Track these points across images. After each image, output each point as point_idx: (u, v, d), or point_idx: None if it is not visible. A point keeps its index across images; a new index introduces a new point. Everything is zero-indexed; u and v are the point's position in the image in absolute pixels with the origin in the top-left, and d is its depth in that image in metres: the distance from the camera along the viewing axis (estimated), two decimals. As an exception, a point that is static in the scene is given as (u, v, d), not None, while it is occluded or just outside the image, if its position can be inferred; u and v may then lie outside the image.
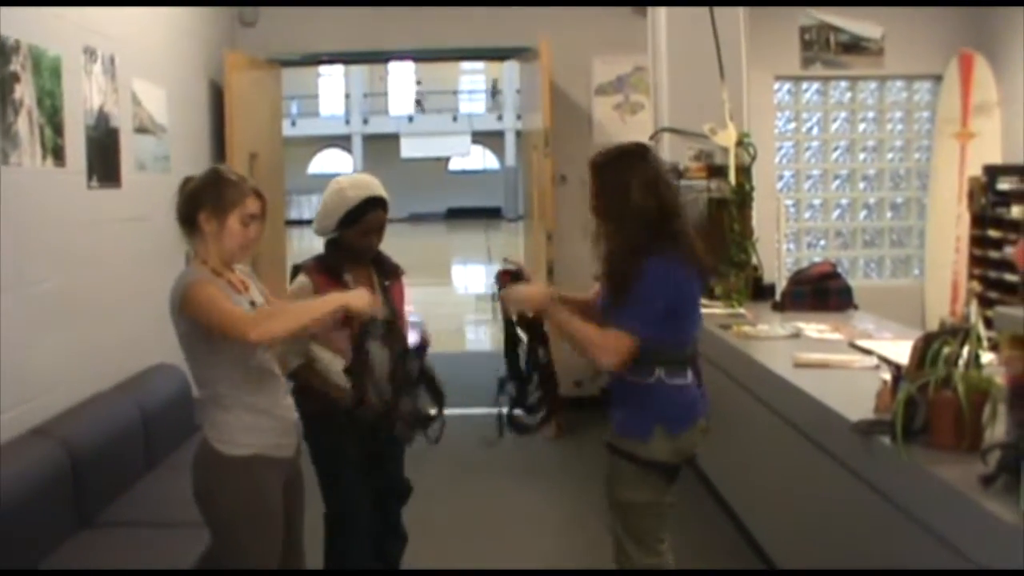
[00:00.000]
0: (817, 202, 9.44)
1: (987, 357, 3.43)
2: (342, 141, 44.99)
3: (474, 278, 24.33)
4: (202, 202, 3.34)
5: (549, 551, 5.50)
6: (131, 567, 3.97)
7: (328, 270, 4.20)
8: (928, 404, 3.26)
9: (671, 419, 3.72)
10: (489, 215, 41.27)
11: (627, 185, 3.70)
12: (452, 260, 29.40)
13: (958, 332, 3.36)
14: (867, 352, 4.90)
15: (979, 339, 3.33)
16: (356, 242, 4.20)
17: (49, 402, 4.63)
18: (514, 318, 3.87)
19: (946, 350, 3.23)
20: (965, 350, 3.29)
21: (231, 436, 3.34)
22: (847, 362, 4.76)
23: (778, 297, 6.75)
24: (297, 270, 4.27)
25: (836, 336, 5.50)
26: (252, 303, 3.45)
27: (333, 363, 4.13)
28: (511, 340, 3.92)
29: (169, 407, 5.54)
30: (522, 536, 5.80)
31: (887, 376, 3.84)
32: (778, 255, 8.02)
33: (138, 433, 5.09)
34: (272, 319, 3.30)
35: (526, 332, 3.89)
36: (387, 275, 4.37)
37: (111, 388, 5.22)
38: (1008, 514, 2.72)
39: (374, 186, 4.27)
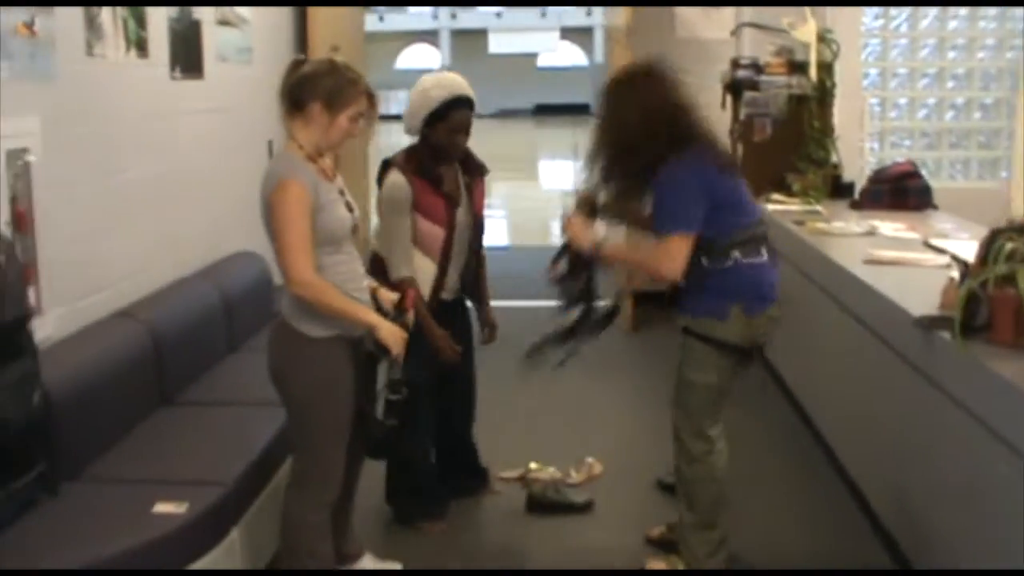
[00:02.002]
0: (903, 101, 9.25)
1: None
2: (430, 36, 44.82)
3: (561, 174, 24.30)
4: (318, 92, 3.41)
5: (613, 439, 5.61)
6: (209, 442, 4.14)
7: (421, 171, 4.30)
8: (989, 300, 3.28)
9: (749, 298, 3.79)
10: (577, 112, 40.98)
11: (626, 109, 3.78)
12: (539, 156, 29.34)
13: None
14: (941, 251, 4.89)
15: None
16: (442, 140, 4.28)
17: (133, 286, 4.77)
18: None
19: (1009, 246, 3.22)
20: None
21: (312, 317, 3.45)
22: (919, 260, 4.76)
23: (856, 196, 6.72)
24: (387, 165, 4.36)
25: (912, 235, 5.48)
26: (341, 191, 3.56)
27: (429, 272, 4.33)
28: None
29: (250, 293, 5.67)
30: (588, 424, 5.93)
31: (956, 274, 3.84)
32: (860, 153, 7.95)
33: (219, 317, 5.23)
34: (318, 293, 3.38)
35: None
36: (471, 173, 4.46)
37: (193, 274, 5.36)
38: (1060, 409, 2.75)
39: (458, 85, 4.32)
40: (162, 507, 3.48)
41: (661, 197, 3.74)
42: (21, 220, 3.89)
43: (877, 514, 4.40)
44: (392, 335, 3.45)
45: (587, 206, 4.05)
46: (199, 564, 3.49)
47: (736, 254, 3.77)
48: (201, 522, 3.52)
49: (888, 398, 4.22)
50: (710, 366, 3.86)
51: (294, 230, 3.32)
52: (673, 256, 3.68)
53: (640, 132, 3.75)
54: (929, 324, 3.57)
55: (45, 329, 3.92)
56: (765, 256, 3.86)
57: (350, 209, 3.58)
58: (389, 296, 3.71)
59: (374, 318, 3.49)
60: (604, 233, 4.03)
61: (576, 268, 4.02)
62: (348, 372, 3.57)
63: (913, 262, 4.74)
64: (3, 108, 3.72)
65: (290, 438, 3.72)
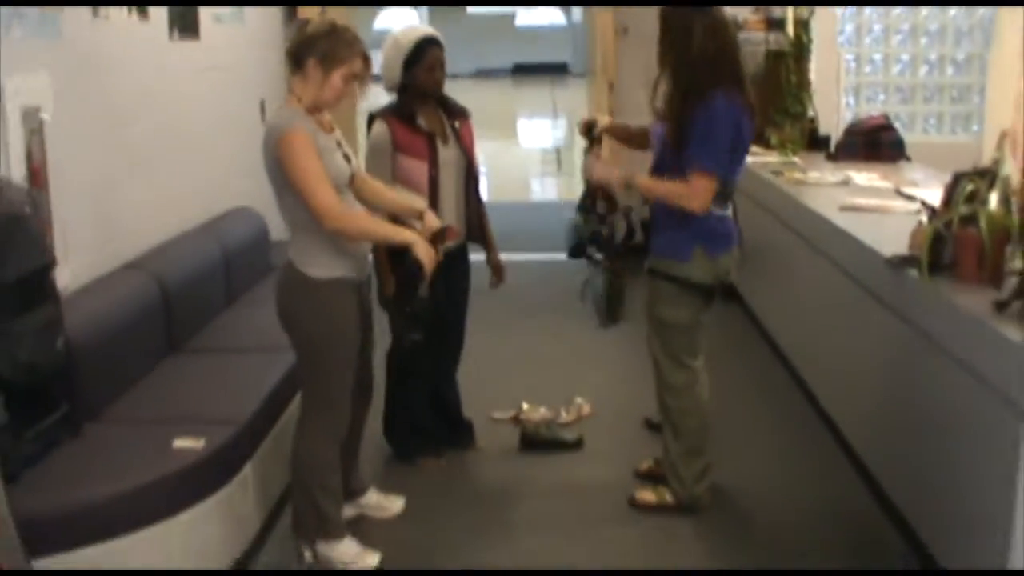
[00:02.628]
0: (878, 57, 9.45)
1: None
2: (408, -4, 44.67)
3: (540, 132, 24.46)
4: (315, 49, 3.60)
5: (601, 382, 5.85)
6: (219, 385, 4.35)
7: (402, 116, 4.49)
8: (953, 240, 3.51)
9: (711, 242, 4.05)
10: (555, 71, 40.94)
11: (690, 29, 3.95)
12: (518, 115, 29.41)
13: (986, 173, 3.58)
14: (911, 198, 5.11)
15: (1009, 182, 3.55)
16: (422, 80, 4.48)
17: (140, 240, 4.97)
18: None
19: (970, 188, 3.46)
20: (995, 191, 3.53)
21: (317, 260, 3.67)
22: (890, 206, 4.98)
23: (832, 148, 6.93)
24: (372, 118, 4.56)
25: (884, 184, 5.70)
26: (339, 143, 3.76)
27: (413, 201, 4.46)
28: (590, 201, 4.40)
29: (248, 247, 5.89)
30: (576, 368, 6.19)
31: (925, 218, 4.06)
32: (836, 108, 8.15)
33: (220, 270, 5.44)
34: (351, 221, 3.65)
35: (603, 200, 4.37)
36: (455, 116, 4.65)
37: (195, 228, 5.56)
38: (1016, 334, 2.97)
39: (423, 29, 4.57)
40: (181, 443, 3.69)
41: (698, 128, 3.90)
42: (36, 175, 4.07)
43: (852, 445, 4.66)
44: (427, 253, 3.65)
45: (587, 130, 4.43)
46: (215, 497, 3.72)
47: None
48: (217, 457, 3.74)
49: (861, 335, 4.46)
50: (680, 304, 4.14)
51: (311, 171, 3.52)
52: (702, 195, 3.92)
53: (701, 49, 3.94)
54: (899, 264, 3.81)
55: (61, 280, 4.10)
56: (730, 210, 4.14)
57: (348, 160, 3.78)
58: (433, 223, 3.88)
59: (411, 236, 3.70)
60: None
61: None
62: (352, 312, 3.79)
63: (884, 208, 4.97)
64: (15, 66, 3.90)
65: (299, 376, 3.93)
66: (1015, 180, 3.48)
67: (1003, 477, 3.04)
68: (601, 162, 4.29)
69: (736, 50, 4.13)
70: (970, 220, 3.44)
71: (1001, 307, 3.13)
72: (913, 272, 3.67)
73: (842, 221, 4.74)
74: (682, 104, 3.96)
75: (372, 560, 3.95)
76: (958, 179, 3.59)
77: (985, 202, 3.50)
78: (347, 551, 3.93)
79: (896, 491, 4.11)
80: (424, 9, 43.73)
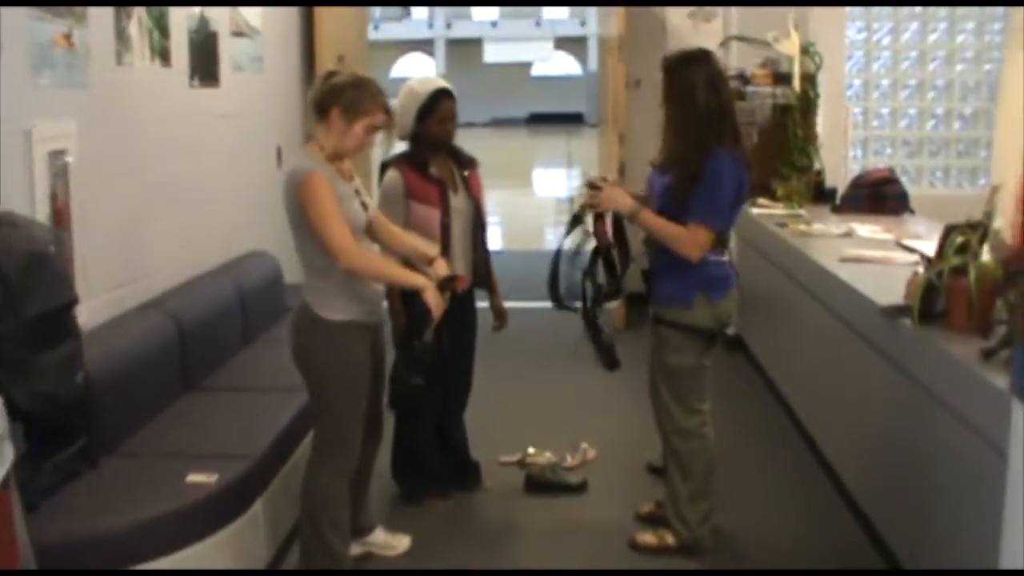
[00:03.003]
0: (885, 111, 9.59)
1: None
2: (425, 45, 45.13)
3: (555, 182, 24.65)
4: (340, 100, 3.77)
5: (605, 427, 5.94)
6: (233, 422, 4.47)
7: (414, 164, 4.64)
8: (945, 290, 3.62)
9: (712, 288, 4.19)
10: (571, 121, 41.27)
11: (694, 86, 4.12)
12: (533, 165, 29.65)
13: (977, 226, 3.70)
14: (912, 251, 5.21)
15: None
16: (435, 130, 4.64)
17: (158, 280, 5.11)
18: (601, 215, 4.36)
19: (960, 240, 3.57)
20: (985, 243, 3.64)
21: (331, 303, 3.82)
22: (890, 258, 5.08)
23: (838, 201, 7.04)
24: (385, 166, 4.71)
25: (886, 236, 5.79)
26: (357, 191, 3.91)
27: (426, 247, 4.58)
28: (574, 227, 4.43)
29: (263, 289, 6.02)
30: (581, 413, 6.29)
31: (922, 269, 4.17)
32: (844, 161, 8.28)
33: (236, 311, 5.57)
34: (366, 261, 3.79)
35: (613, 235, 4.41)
36: (464, 166, 4.80)
37: (211, 270, 5.70)
38: (1001, 381, 3.06)
39: (439, 80, 4.74)
40: (194, 477, 3.81)
41: (706, 183, 4.06)
42: (60, 216, 4.23)
43: (850, 490, 4.75)
44: (436, 298, 3.78)
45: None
46: (225, 532, 3.81)
47: (706, 251, 4.16)
48: (229, 492, 3.85)
49: (859, 382, 4.57)
50: (684, 349, 4.26)
51: (327, 212, 3.67)
52: (701, 245, 4.09)
53: (705, 105, 4.11)
54: (893, 313, 3.92)
55: (81, 316, 4.23)
56: (726, 256, 4.31)
57: (365, 208, 3.93)
58: (443, 270, 3.99)
59: (422, 280, 3.83)
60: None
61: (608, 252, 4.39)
62: (364, 354, 3.93)
63: (884, 260, 5.07)
64: (44, 112, 4.08)
65: (312, 413, 4.06)
66: (1003, 233, 3.61)
67: (990, 520, 3.12)
68: (616, 190, 4.36)
69: (733, 103, 4.29)
70: (961, 271, 3.55)
71: (988, 355, 3.23)
72: (907, 321, 3.78)
73: (842, 272, 4.85)
74: (691, 159, 4.10)
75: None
76: (949, 231, 3.71)
77: (977, 254, 3.61)
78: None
79: (891, 533, 4.20)
80: (441, 57, 44.27)
